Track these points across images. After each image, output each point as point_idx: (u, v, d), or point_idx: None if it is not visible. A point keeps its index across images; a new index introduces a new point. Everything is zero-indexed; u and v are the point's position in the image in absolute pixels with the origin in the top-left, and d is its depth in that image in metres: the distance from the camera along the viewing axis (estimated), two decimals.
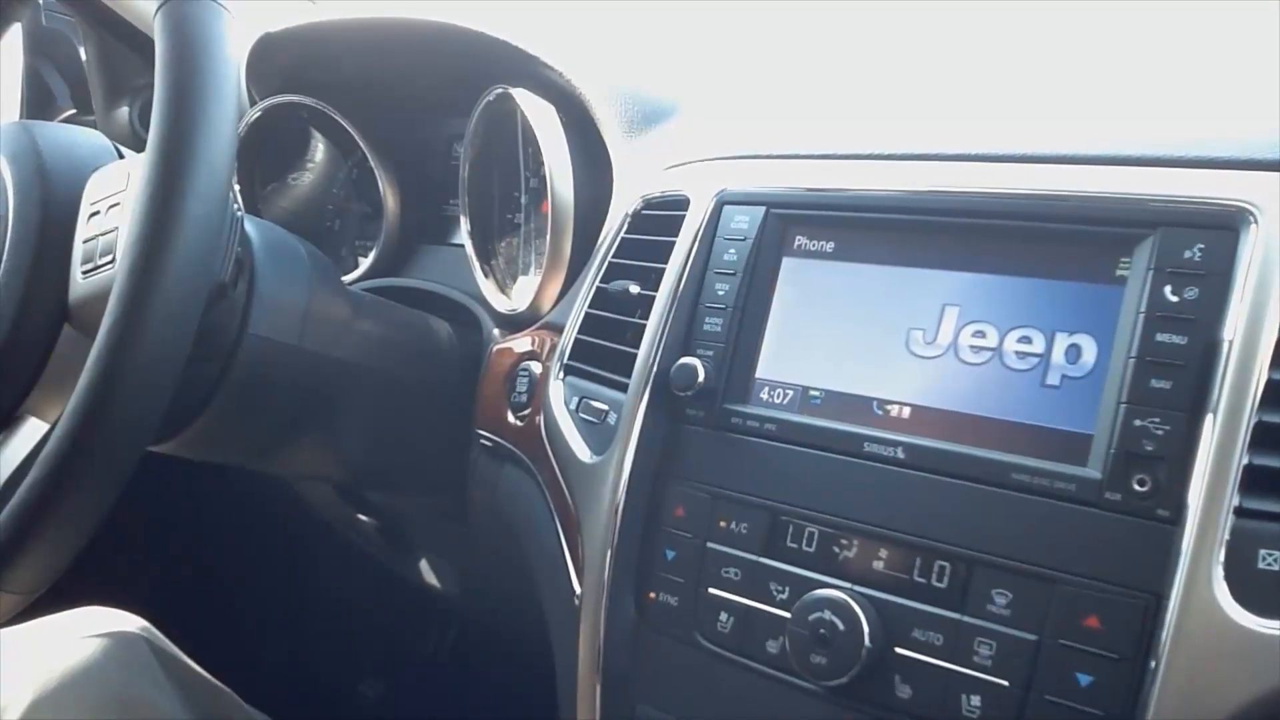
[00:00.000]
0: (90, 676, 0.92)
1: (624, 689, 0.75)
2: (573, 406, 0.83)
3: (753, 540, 0.71)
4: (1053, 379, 0.62)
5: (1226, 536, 0.54)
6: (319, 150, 1.24)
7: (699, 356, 0.74)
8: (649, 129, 0.93)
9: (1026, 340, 0.64)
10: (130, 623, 1.00)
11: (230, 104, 0.65)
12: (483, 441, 0.95)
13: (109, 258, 0.74)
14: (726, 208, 0.78)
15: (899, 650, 0.63)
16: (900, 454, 0.66)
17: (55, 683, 0.90)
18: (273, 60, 1.16)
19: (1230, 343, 0.56)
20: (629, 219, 0.86)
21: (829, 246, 0.73)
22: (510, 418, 0.91)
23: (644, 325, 0.79)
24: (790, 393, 0.72)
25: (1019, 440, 0.62)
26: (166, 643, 1.01)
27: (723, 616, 0.71)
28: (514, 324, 0.97)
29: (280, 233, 0.88)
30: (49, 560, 0.65)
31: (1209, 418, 0.56)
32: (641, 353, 0.77)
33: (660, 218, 0.83)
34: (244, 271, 0.80)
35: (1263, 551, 0.53)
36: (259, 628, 1.50)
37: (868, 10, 1.14)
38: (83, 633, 0.96)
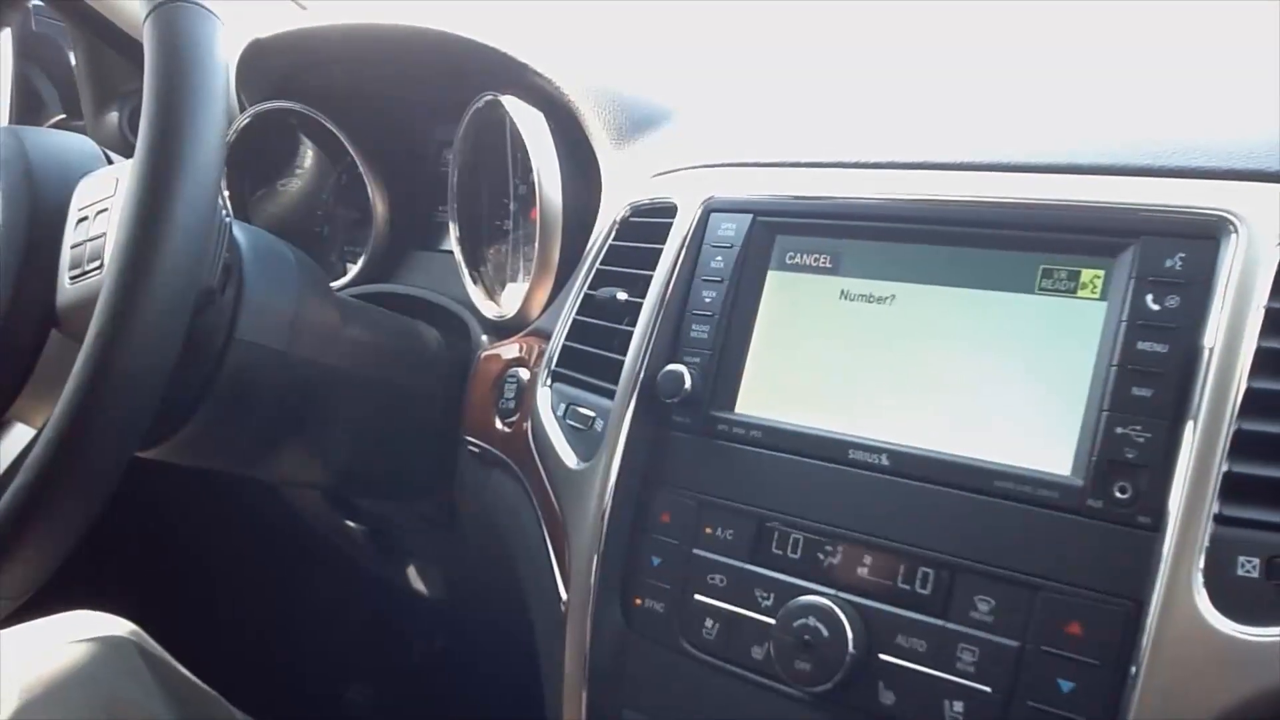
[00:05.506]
0: (79, 680, 0.92)
1: (610, 694, 0.75)
2: (560, 413, 0.83)
3: (738, 547, 0.71)
4: (1036, 386, 0.63)
5: (1206, 544, 0.54)
6: (308, 156, 1.24)
7: (685, 363, 0.75)
8: (637, 136, 0.93)
9: (1010, 348, 0.64)
10: (119, 626, 1.00)
11: (219, 110, 0.65)
12: (470, 448, 0.95)
13: (97, 263, 0.74)
14: (714, 215, 0.78)
15: (883, 656, 0.64)
16: (885, 460, 0.66)
17: (44, 686, 0.90)
18: (262, 66, 1.16)
19: (1211, 351, 0.57)
20: (617, 226, 0.86)
21: (815, 254, 0.74)
22: (498, 424, 0.92)
23: (631, 332, 0.79)
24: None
25: (1002, 447, 0.63)
26: (155, 646, 1.01)
27: (708, 623, 0.71)
28: (502, 330, 0.98)
29: (269, 238, 0.88)
30: (35, 565, 0.64)
31: (1189, 425, 0.56)
32: (628, 360, 0.78)
33: (648, 225, 0.83)
34: (232, 277, 0.80)
35: (1241, 559, 0.54)
36: (247, 632, 1.49)
37: (855, 19, 1.14)
38: (71, 636, 0.96)
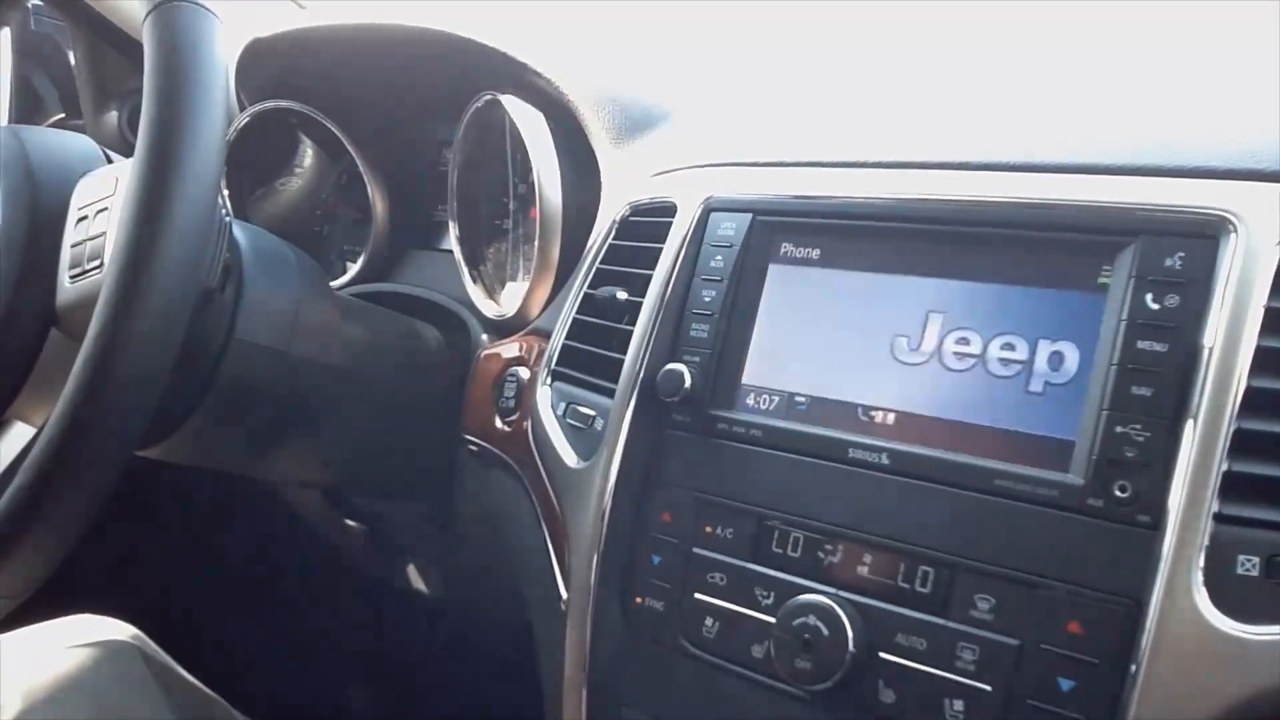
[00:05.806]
0: (82, 685, 0.92)
1: (609, 693, 0.75)
2: (560, 412, 0.83)
3: (738, 546, 0.71)
4: (1036, 386, 0.63)
5: (1206, 542, 0.55)
6: (308, 155, 1.24)
7: (685, 362, 0.75)
8: (637, 136, 0.93)
9: (1010, 347, 0.64)
10: (121, 631, 1.00)
11: (219, 109, 0.65)
12: (470, 447, 0.96)
13: (97, 263, 0.74)
14: (713, 214, 0.78)
15: (883, 655, 0.64)
16: (885, 460, 0.66)
17: (46, 691, 0.90)
18: (262, 65, 1.16)
19: (1210, 350, 0.57)
20: (617, 225, 0.86)
21: (815, 254, 0.74)
22: (498, 423, 0.92)
23: (631, 331, 0.79)
24: (776, 399, 0.72)
25: (1002, 446, 0.63)
26: (158, 651, 1.01)
27: (708, 621, 0.71)
28: (502, 330, 0.98)
29: (269, 238, 0.88)
30: (34, 565, 0.64)
31: (1189, 424, 0.56)
32: (628, 359, 0.78)
33: (648, 224, 0.83)
34: (232, 276, 0.80)
35: (1241, 557, 0.54)
36: (247, 632, 1.49)
37: (854, 19, 1.14)
38: (74, 641, 0.96)
